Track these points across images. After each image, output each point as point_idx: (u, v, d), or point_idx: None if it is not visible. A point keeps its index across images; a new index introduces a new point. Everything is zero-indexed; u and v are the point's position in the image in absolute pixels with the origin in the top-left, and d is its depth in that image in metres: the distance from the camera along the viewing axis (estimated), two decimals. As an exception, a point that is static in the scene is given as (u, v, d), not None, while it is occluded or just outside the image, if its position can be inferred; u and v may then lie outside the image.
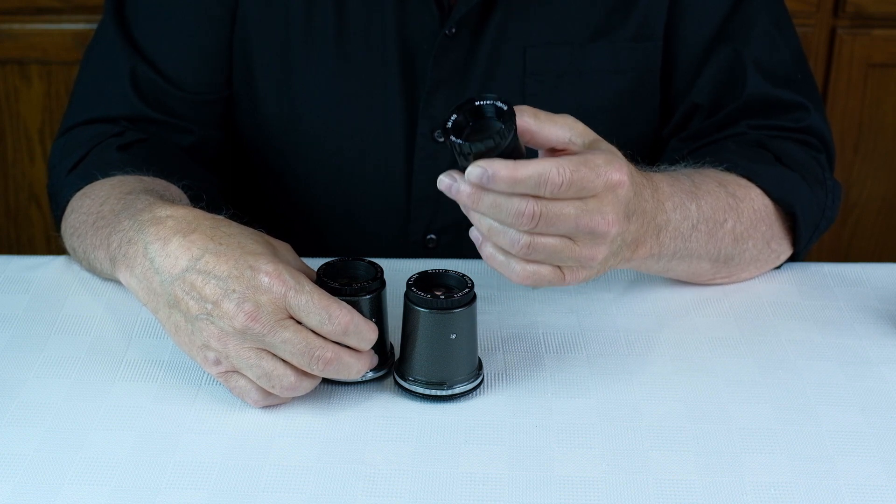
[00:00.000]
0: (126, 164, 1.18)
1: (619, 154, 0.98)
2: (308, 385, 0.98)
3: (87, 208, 1.14)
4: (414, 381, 1.00)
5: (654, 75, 1.28)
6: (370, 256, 1.07)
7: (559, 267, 0.96)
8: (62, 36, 2.14)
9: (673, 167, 1.17)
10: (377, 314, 1.00)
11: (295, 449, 0.95)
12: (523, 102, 1.25)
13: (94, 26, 1.33)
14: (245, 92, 1.29)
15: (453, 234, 1.31)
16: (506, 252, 0.95)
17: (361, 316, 0.96)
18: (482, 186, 0.91)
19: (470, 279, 1.00)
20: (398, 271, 1.12)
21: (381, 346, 1.01)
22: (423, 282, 1.00)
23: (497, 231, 0.94)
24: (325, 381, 1.01)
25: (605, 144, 0.97)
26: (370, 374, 1.01)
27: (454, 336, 0.98)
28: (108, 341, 1.08)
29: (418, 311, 0.98)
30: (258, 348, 0.95)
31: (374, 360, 1.00)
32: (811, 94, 1.28)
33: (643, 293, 1.16)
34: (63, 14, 2.14)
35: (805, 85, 1.28)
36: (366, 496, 0.90)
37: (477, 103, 0.93)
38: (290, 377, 0.96)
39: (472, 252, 0.98)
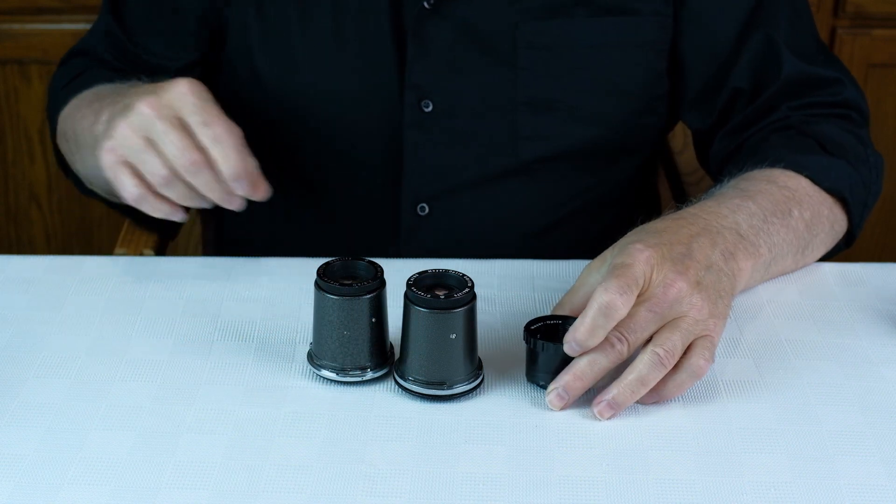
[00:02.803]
0: (118, 80, 1.26)
1: (625, 240, 1.02)
2: (172, 193, 1.09)
3: (78, 99, 1.27)
4: (414, 380, 1.00)
5: (644, 50, 1.29)
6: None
7: (697, 346, 0.99)
8: (62, 36, 2.14)
9: (713, 188, 1.18)
10: (377, 314, 1.00)
11: (295, 449, 0.95)
12: (516, 77, 1.27)
13: (93, 27, 1.35)
14: (243, 65, 1.32)
15: (444, 201, 1.32)
16: (648, 372, 0.98)
17: (234, 137, 1.07)
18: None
19: (470, 279, 1.00)
20: (398, 271, 1.12)
21: (381, 346, 1.01)
22: (423, 282, 1.00)
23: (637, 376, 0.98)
24: (325, 380, 1.01)
25: (611, 253, 1.01)
26: (370, 374, 1.01)
27: (454, 336, 0.98)
28: (108, 341, 1.08)
29: (418, 311, 0.98)
30: (144, 137, 1.08)
31: (239, 196, 1.09)
32: (841, 68, 1.31)
33: (643, 293, 1.16)
34: (63, 14, 2.15)
35: (833, 61, 1.31)
36: (366, 496, 0.90)
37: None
38: (163, 170, 1.08)
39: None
